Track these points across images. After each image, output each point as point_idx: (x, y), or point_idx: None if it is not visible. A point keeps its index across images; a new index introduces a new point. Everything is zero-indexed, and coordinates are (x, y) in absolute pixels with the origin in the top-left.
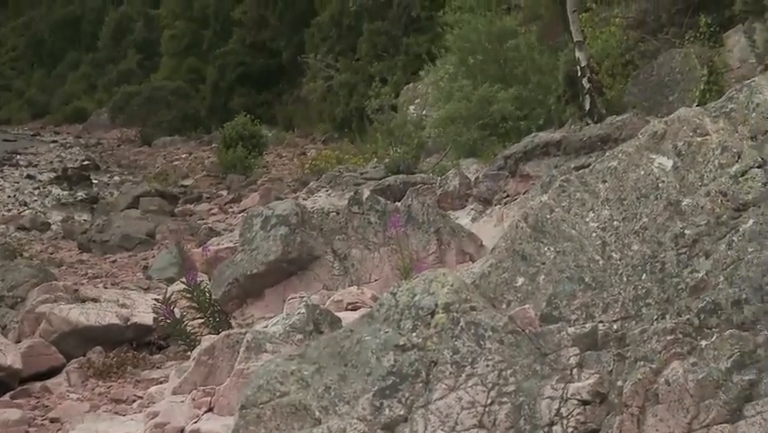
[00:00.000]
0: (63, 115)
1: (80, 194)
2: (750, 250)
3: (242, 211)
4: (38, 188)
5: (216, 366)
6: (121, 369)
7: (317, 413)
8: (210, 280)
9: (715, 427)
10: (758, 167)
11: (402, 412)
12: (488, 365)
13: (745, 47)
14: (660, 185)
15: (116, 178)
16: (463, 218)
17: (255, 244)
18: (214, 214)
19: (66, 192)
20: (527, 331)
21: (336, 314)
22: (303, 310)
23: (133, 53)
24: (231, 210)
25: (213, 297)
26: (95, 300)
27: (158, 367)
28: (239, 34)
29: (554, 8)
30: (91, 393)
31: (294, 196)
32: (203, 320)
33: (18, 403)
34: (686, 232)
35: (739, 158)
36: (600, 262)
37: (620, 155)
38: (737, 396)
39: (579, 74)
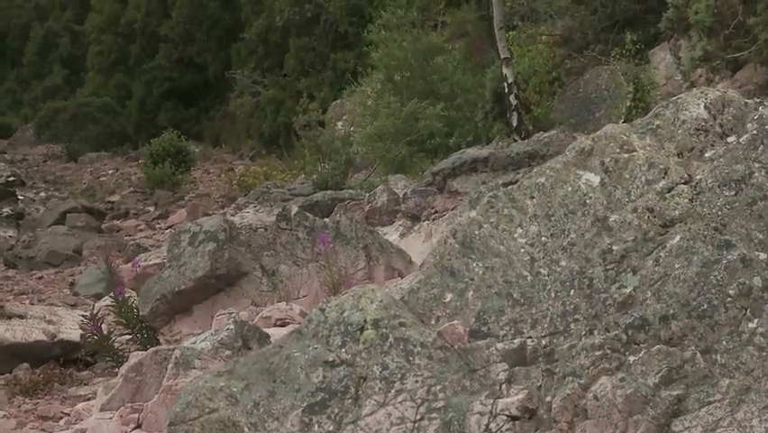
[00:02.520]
0: None
1: (6, 210)
2: (677, 266)
3: (170, 227)
4: None
5: (144, 383)
6: (48, 386)
7: (246, 430)
8: (138, 296)
9: None
10: (684, 183)
11: (331, 428)
12: (417, 381)
13: (671, 64)
14: (587, 201)
15: (42, 194)
16: (392, 234)
17: (183, 261)
18: (141, 230)
19: None
20: (456, 347)
21: (265, 330)
22: (231, 326)
23: (59, 69)
24: (158, 226)
25: (140, 313)
26: (21, 317)
27: (85, 384)
28: (166, 50)
29: (481, 25)
30: (17, 410)
31: (222, 212)
32: (131, 336)
33: None
34: (614, 248)
35: (666, 174)
36: (529, 278)
37: (548, 171)
38: (665, 411)
39: (506, 91)
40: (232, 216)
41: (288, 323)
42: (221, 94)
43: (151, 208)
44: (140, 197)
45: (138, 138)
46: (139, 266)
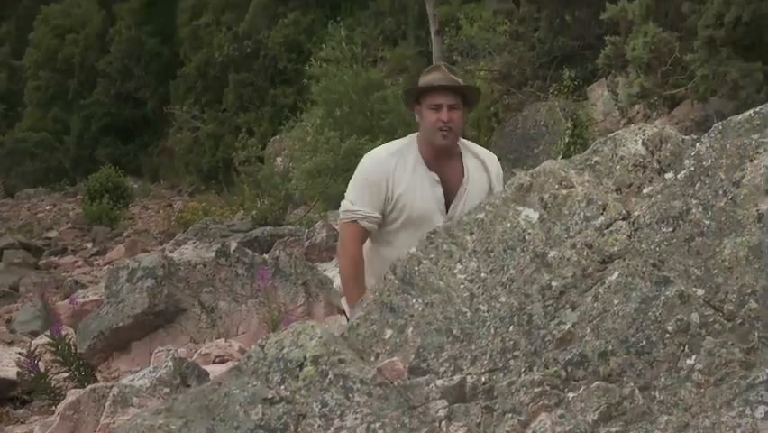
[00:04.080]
0: None
1: None
2: (616, 302)
3: (108, 264)
4: None
5: (82, 421)
6: None
7: None
8: (75, 333)
9: None
10: (623, 219)
11: None
12: (356, 418)
13: (609, 100)
14: (526, 237)
15: None
16: (331, 270)
17: (121, 297)
18: (79, 266)
19: None
20: (396, 384)
21: (204, 367)
22: (170, 363)
23: None
24: (96, 263)
25: (78, 350)
26: None
27: (22, 422)
28: (104, 85)
29: (420, 61)
30: None
31: (160, 248)
32: (68, 374)
33: None
34: (553, 284)
35: (604, 210)
36: (468, 315)
37: (487, 207)
38: None
39: None
40: (170, 252)
41: (227, 360)
42: (159, 129)
43: (89, 245)
44: (77, 233)
45: (76, 174)
46: (76, 303)
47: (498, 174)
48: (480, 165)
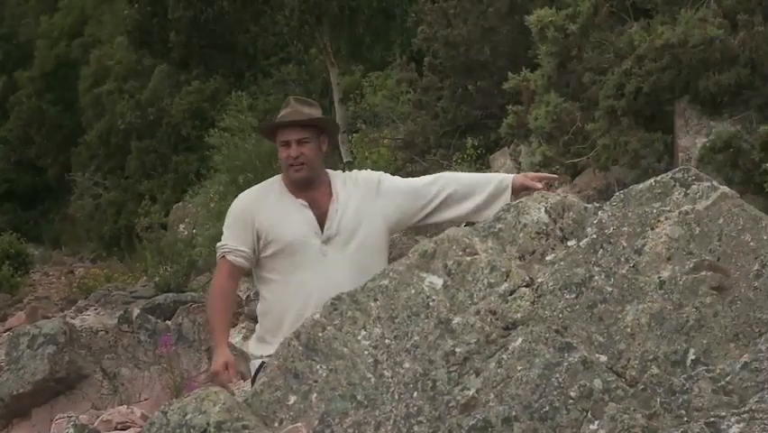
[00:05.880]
0: None
1: None
2: (519, 368)
3: (8, 330)
4: None
5: None
6: None
7: None
8: None
9: None
10: (526, 286)
11: None
12: None
13: (511, 169)
14: (431, 303)
15: None
16: (235, 337)
17: (22, 363)
18: None
19: None
20: None
21: None
22: (71, 430)
23: None
24: None
25: None
26: None
27: None
28: (4, 152)
29: None
30: None
31: (62, 315)
32: None
33: None
34: (456, 350)
35: (508, 277)
36: (372, 380)
37: (391, 274)
38: None
39: None
40: (72, 318)
41: (129, 426)
42: (61, 196)
43: None
44: None
45: None
46: None
47: (369, 175)
48: (351, 184)
